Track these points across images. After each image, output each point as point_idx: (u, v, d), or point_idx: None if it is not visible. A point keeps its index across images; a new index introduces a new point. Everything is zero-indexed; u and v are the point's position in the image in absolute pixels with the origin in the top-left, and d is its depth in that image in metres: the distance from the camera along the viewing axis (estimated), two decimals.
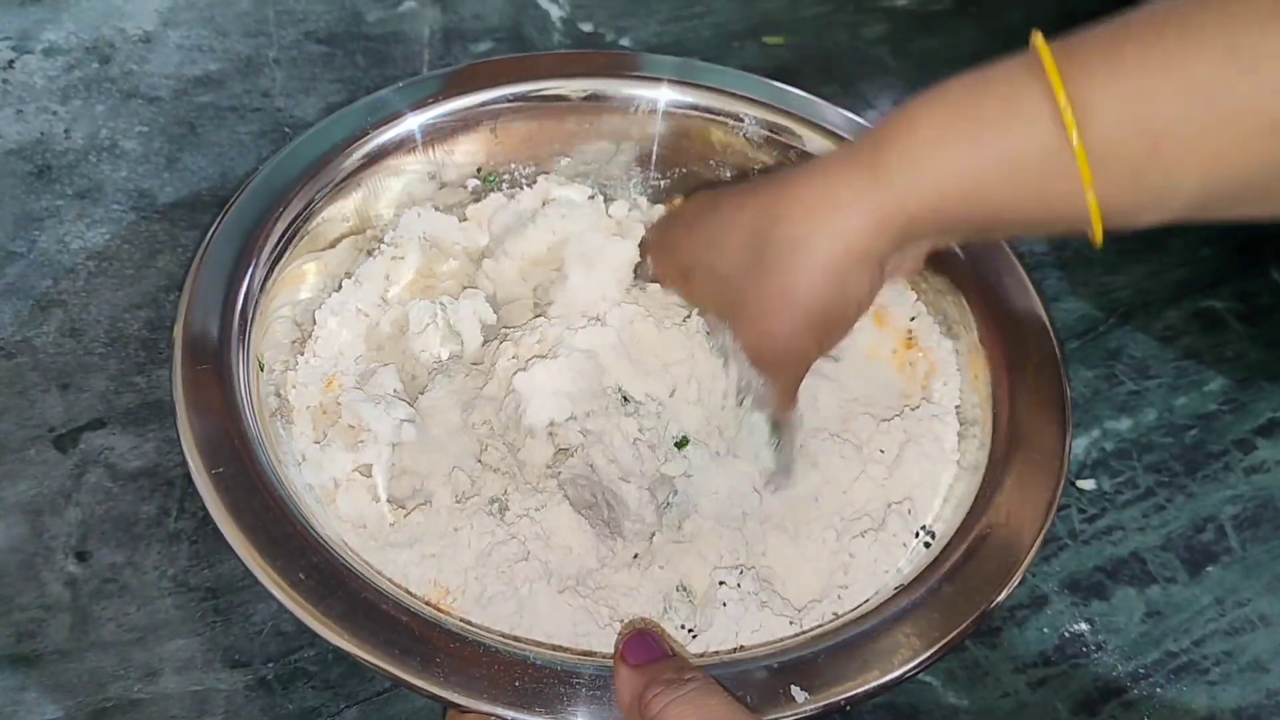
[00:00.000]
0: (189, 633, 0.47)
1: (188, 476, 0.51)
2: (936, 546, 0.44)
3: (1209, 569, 0.54)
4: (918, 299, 0.54)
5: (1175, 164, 0.35)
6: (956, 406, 0.51)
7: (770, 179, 0.44)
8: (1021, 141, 0.37)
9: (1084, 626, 0.51)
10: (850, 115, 0.56)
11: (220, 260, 0.47)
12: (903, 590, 0.42)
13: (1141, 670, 0.50)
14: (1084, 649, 0.51)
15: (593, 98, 0.57)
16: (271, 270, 0.48)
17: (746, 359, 0.45)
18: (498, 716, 0.36)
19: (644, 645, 0.37)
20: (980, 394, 0.49)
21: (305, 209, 0.50)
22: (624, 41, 0.74)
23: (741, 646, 0.43)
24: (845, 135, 0.55)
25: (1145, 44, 0.35)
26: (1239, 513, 0.56)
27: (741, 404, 0.48)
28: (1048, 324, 0.49)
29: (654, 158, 0.58)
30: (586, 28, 0.75)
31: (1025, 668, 0.50)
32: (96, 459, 0.52)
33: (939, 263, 0.51)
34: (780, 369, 0.45)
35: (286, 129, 0.66)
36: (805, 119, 0.56)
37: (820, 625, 0.42)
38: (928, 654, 0.39)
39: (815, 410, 0.51)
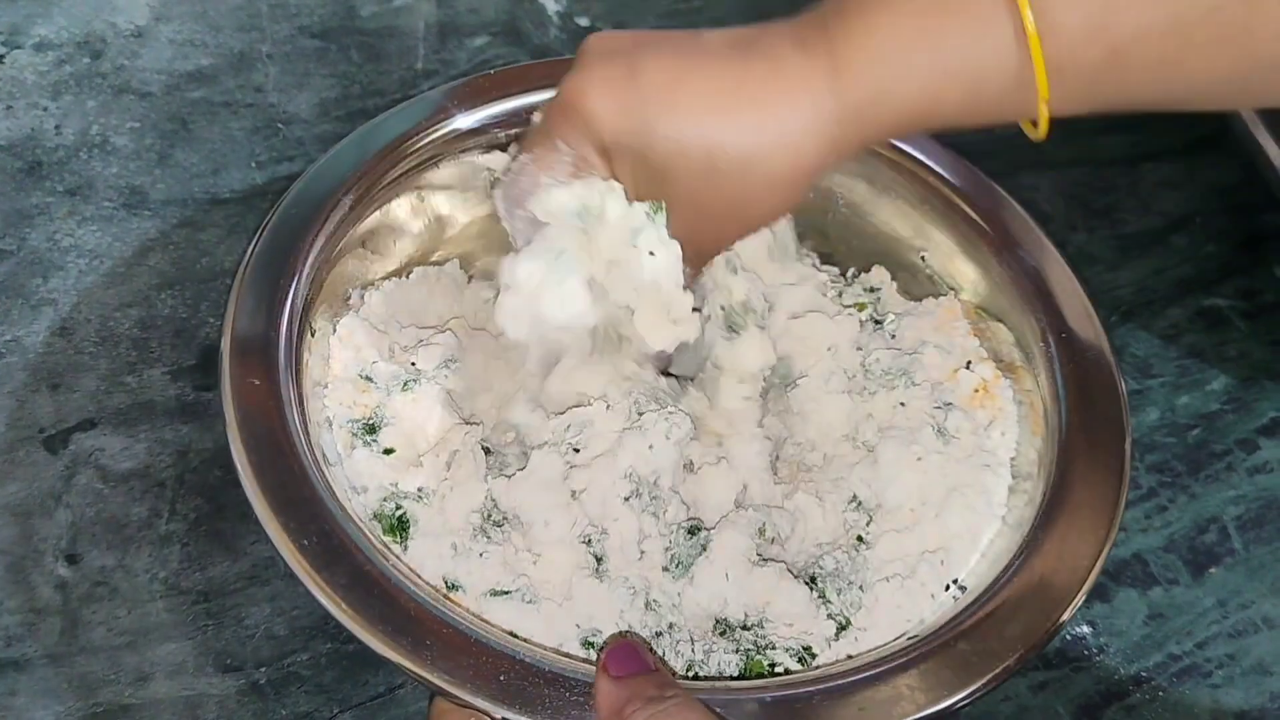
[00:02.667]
0: (180, 636, 0.47)
1: (179, 478, 0.51)
2: (963, 602, 0.43)
3: (1212, 570, 0.53)
4: (980, 344, 0.53)
5: (1134, 73, 0.36)
6: (1012, 459, 0.49)
7: (710, 49, 0.40)
8: (985, 55, 0.36)
9: (1086, 629, 0.51)
10: None
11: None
12: (917, 642, 0.40)
13: (1144, 673, 0.50)
14: (1085, 652, 0.50)
15: None
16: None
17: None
18: (483, 711, 0.36)
19: (626, 657, 0.37)
20: (1037, 449, 0.48)
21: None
22: None
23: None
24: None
25: None
26: (1242, 513, 0.56)
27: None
28: (1118, 380, 0.48)
29: None
30: (583, 22, 0.74)
31: (1026, 671, 0.49)
32: (87, 460, 0.51)
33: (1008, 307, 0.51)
34: (703, 258, 0.45)
35: (280, 124, 0.65)
36: None
37: (830, 664, 0.41)
38: (928, 712, 0.37)
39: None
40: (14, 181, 0.60)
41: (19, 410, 0.52)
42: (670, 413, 0.45)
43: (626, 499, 0.44)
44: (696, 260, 0.44)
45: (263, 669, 0.46)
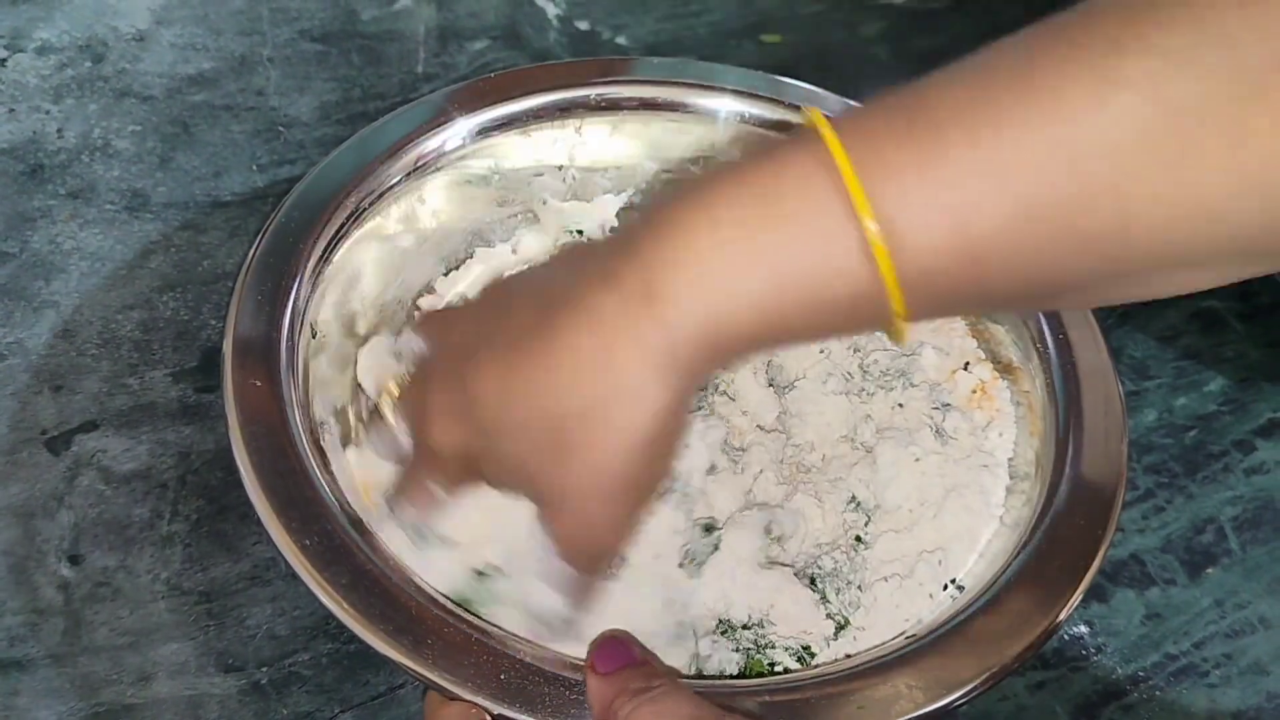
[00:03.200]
0: (182, 637, 0.47)
1: (181, 479, 0.52)
2: (961, 601, 0.43)
3: (1209, 571, 0.54)
4: (979, 345, 0.53)
5: (993, 281, 0.32)
6: (1010, 460, 0.49)
7: (526, 324, 0.35)
8: (828, 274, 0.32)
9: (1083, 629, 0.51)
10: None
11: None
12: (916, 640, 0.40)
13: (1141, 673, 0.50)
14: (1083, 652, 0.50)
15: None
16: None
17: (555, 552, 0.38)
18: (480, 708, 0.36)
19: (613, 652, 0.36)
20: (1035, 450, 0.48)
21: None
22: (620, 40, 0.74)
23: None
24: None
25: (953, 135, 0.30)
26: (1239, 514, 0.56)
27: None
28: (1116, 381, 0.48)
29: None
30: (583, 25, 0.75)
31: (1024, 670, 0.49)
32: (89, 461, 0.51)
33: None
34: (597, 557, 0.38)
35: (281, 128, 0.66)
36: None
37: (829, 664, 0.42)
38: (925, 710, 0.37)
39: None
40: (16, 184, 0.61)
41: (21, 412, 0.53)
42: (707, 414, 0.46)
43: (662, 494, 0.44)
44: (597, 558, 0.39)
45: (264, 669, 0.47)
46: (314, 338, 0.47)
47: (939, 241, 0.31)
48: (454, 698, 0.37)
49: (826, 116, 0.32)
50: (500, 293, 0.39)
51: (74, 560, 0.49)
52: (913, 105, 0.31)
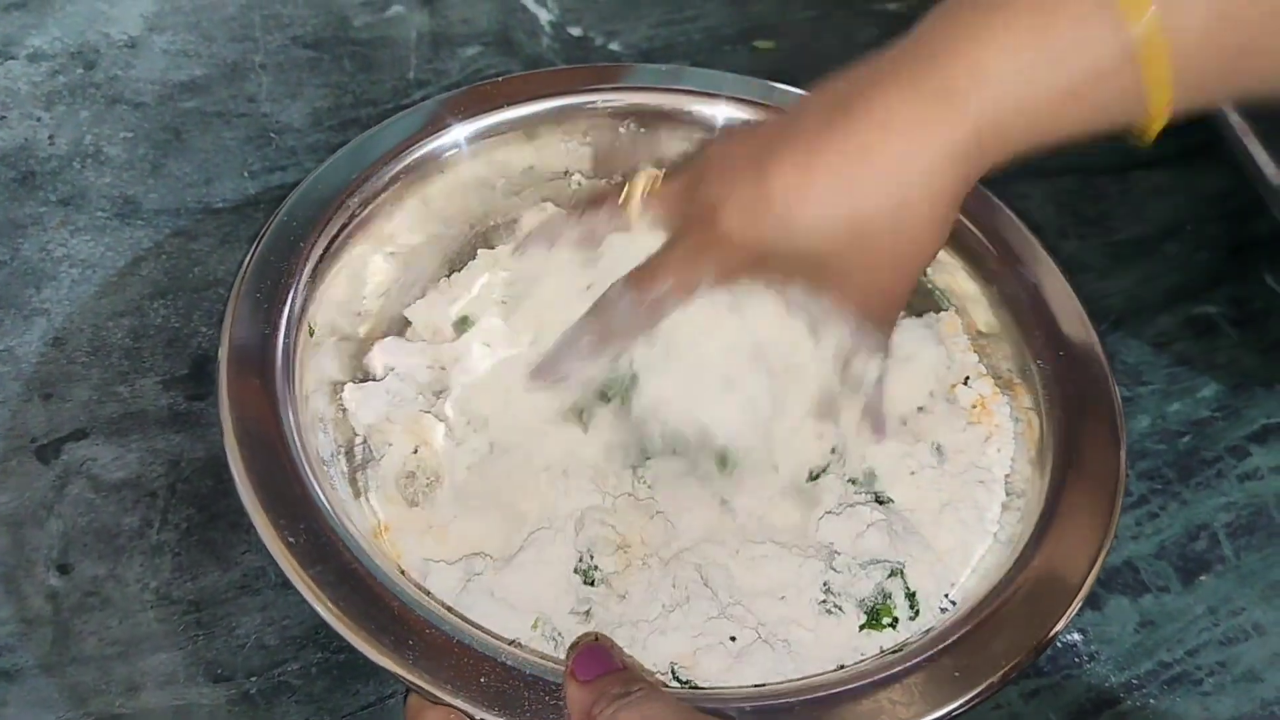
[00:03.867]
0: (171, 646, 0.47)
1: (171, 488, 0.51)
2: (950, 616, 0.43)
3: (1203, 578, 0.54)
4: (979, 360, 0.53)
5: (1251, 76, 0.37)
6: (1006, 476, 0.49)
7: (816, 126, 0.39)
8: (1102, 64, 0.36)
9: (1076, 637, 0.51)
10: None
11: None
12: (903, 655, 0.40)
13: (1135, 680, 0.50)
14: (1076, 659, 0.50)
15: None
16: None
17: (851, 320, 0.43)
18: (460, 712, 0.36)
19: (593, 659, 0.36)
20: (1031, 462, 0.48)
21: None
22: (613, 46, 0.74)
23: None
24: None
25: None
26: (1233, 520, 0.56)
27: (851, 366, 0.45)
28: (1113, 391, 0.48)
29: None
30: (575, 31, 0.75)
31: (1018, 679, 0.49)
32: (79, 470, 0.51)
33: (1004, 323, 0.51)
34: (890, 319, 0.44)
35: (272, 134, 0.66)
36: None
37: (817, 675, 0.41)
38: None
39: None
40: (7, 191, 0.61)
41: (11, 420, 0.52)
42: None
43: None
44: (881, 327, 0.44)
45: (253, 679, 0.46)
46: (311, 336, 0.47)
47: (1206, 41, 0.35)
48: (435, 700, 0.37)
49: None
50: (789, 116, 0.42)
51: (63, 569, 0.48)
52: None
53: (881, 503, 0.48)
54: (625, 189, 0.46)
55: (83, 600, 0.48)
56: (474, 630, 0.39)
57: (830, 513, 0.46)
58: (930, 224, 0.40)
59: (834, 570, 0.44)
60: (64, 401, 0.53)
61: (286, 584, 0.48)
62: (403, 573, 0.42)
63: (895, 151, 0.38)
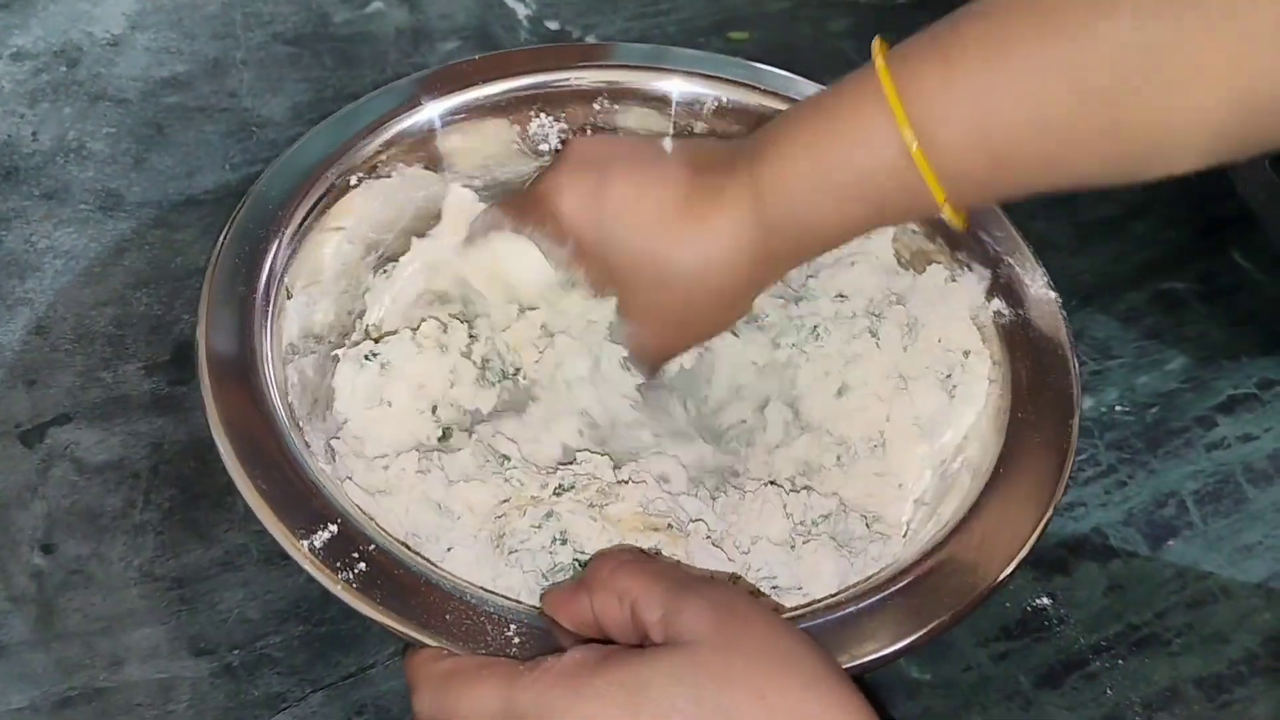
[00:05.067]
0: (155, 622, 0.48)
1: (154, 469, 0.52)
2: (903, 560, 0.43)
3: (1170, 543, 0.54)
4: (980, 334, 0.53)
5: (1019, 173, 0.39)
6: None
7: (669, 172, 0.45)
8: (881, 174, 0.40)
9: (1046, 601, 0.52)
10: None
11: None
12: (854, 596, 0.41)
13: (1103, 643, 0.51)
14: (1046, 623, 0.51)
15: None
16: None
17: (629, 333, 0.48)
18: (450, 651, 0.37)
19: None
20: (990, 423, 0.48)
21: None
22: (590, 39, 0.75)
23: None
24: None
25: (974, 48, 0.38)
26: (1200, 488, 0.57)
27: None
28: (1070, 356, 0.48)
29: None
30: (553, 25, 0.76)
31: (988, 641, 0.50)
32: (62, 453, 0.52)
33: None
34: (650, 361, 0.49)
35: (254, 128, 0.67)
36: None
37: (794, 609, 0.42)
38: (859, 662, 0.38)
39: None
40: None
41: None
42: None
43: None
44: (650, 364, 0.50)
45: (235, 651, 0.47)
46: (289, 299, 0.48)
47: (965, 147, 0.38)
48: (403, 636, 0.38)
49: (886, 43, 0.41)
50: (654, 150, 0.47)
51: (47, 549, 0.49)
52: (946, 34, 0.39)
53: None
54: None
55: (67, 579, 0.48)
56: (441, 572, 0.40)
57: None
58: (723, 292, 0.45)
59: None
60: (48, 388, 0.54)
61: (269, 560, 0.50)
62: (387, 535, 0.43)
63: (710, 219, 0.43)
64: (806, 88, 0.57)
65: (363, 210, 0.52)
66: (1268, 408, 0.60)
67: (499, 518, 0.44)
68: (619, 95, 0.56)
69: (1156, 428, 0.59)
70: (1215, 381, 0.61)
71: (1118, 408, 0.59)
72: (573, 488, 0.45)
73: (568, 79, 0.56)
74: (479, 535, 0.44)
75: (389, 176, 0.53)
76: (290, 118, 0.67)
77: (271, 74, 0.70)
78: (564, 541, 0.43)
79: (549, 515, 0.44)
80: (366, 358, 0.49)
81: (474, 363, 0.49)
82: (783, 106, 0.56)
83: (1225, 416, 0.60)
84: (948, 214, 0.40)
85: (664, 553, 0.43)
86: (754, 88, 0.57)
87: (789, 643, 0.34)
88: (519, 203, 0.49)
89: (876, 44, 0.40)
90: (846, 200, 0.41)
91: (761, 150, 0.43)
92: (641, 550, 0.43)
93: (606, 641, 0.36)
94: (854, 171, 0.40)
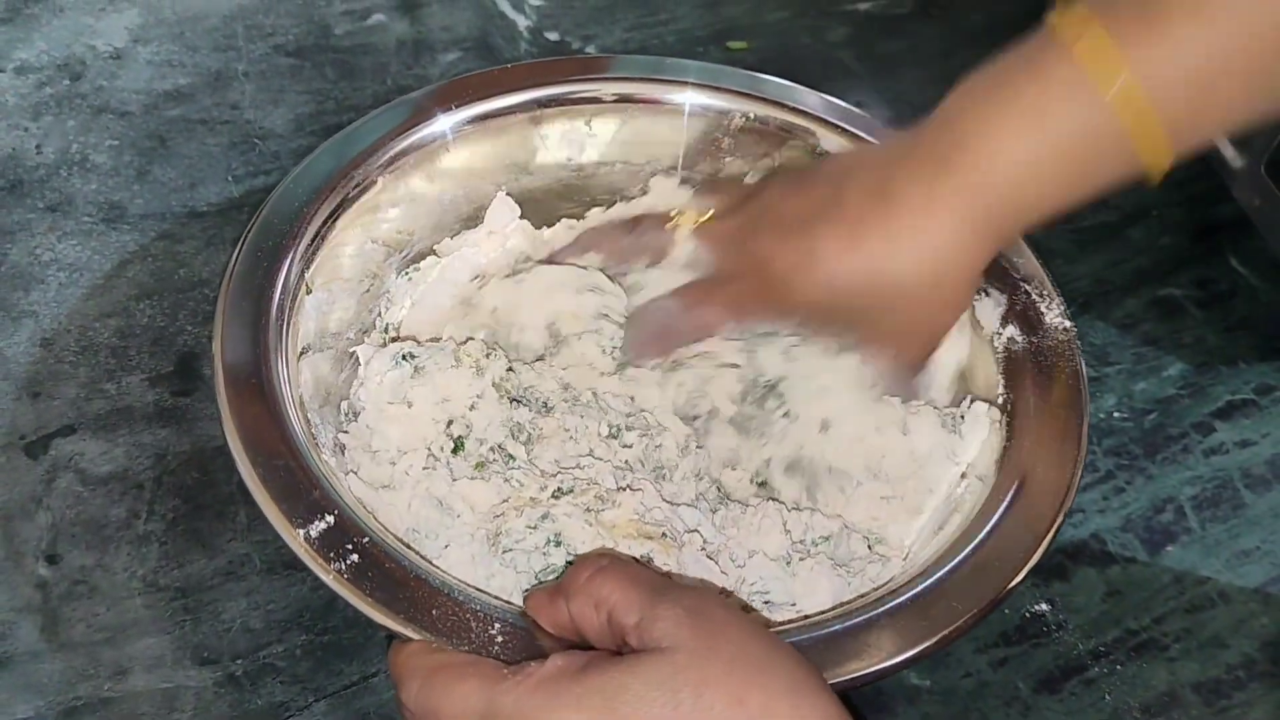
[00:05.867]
0: (158, 631, 0.48)
1: (157, 480, 0.53)
2: (910, 571, 0.44)
3: (1168, 548, 0.55)
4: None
5: (1225, 110, 0.41)
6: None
7: (854, 206, 0.44)
8: (1089, 132, 0.41)
9: (1044, 607, 0.52)
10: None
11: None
12: (858, 609, 0.41)
13: (1102, 648, 0.51)
14: (1045, 629, 0.51)
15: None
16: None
17: (881, 363, 0.48)
18: (440, 646, 0.37)
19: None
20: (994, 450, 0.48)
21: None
22: (589, 49, 0.76)
23: None
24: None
25: (1176, 11, 0.40)
26: (1198, 493, 0.57)
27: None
28: (1079, 362, 0.49)
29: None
30: (553, 36, 0.76)
31: (986, 648, 0.50)
32: (67, 464, 0.52)
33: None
34: (916, 366, 0.50)
35: (256, 140, 0.67)
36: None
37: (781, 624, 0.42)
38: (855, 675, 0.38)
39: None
40: None
41: (0, 418, 0.54)
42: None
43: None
44: (907, 380, 0.50)
45: (239, 661, 0.47)
46: (308, 294, 0.48)
47: (1178, 91, 0.40)
48: (405, 640, 0.38)
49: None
50: (828, 185, 0.46)
51: (51, 560, 0.50)
52: None
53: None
54: (674, 219, 0.52)
55: (71, 589, 0.49)
56: (432, 567, 0.40)
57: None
58: (959, 289, 0.46)
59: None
60: (52, 399, 0.55)
61: (271, 569, 0.50)
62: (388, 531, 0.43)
63: (931, 236, 0.43)
64: (807, 96, 0.58)
65: (389, 209, 0.53)
66: (1265, 413, 0.60)
67: (496, 517, 0.45)
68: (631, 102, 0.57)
69: (1154, 434, 0.59)
70: (1213, 387, 0.61)
71: (1115, 414, 0.60)
72: (571, 491, 0.45)
73: (579, 91, 0.57)
74: (475, 534, 0.44)
75: (416, 180, 0.54)
76: (292, 129, 0.68)
77: (273, 86, 0.70)
78: (558, 544, 0.44)
79: (544, 517, 0.44)
80: (404, 357, 0.49)
81: (502, 393, 0.49)
82: (786, 116, 0.57)
83: (1223, 422, 0.60)
84: (1153, 169, 0.41)
85: (655, 562, 0.44)
86: (756, 97, 0.57)
87: (766, 648, 0.35)
88: (733, 295, 0.48)
89: (1059, 13, 0.42)
90: (1062, 162, 0.42)
91: (956, 132, 0.43)
92: (621, 555, 0.43)
93: (587, 645, 0.37)
94: (1068, 129, 0.41)
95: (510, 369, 0.50)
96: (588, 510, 0.45)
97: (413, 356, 0.49)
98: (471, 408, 0.48)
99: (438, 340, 0.51)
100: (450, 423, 0.48)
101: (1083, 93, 0.40)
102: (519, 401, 0.49)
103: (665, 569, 0.44)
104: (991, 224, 0.43)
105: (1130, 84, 0.40)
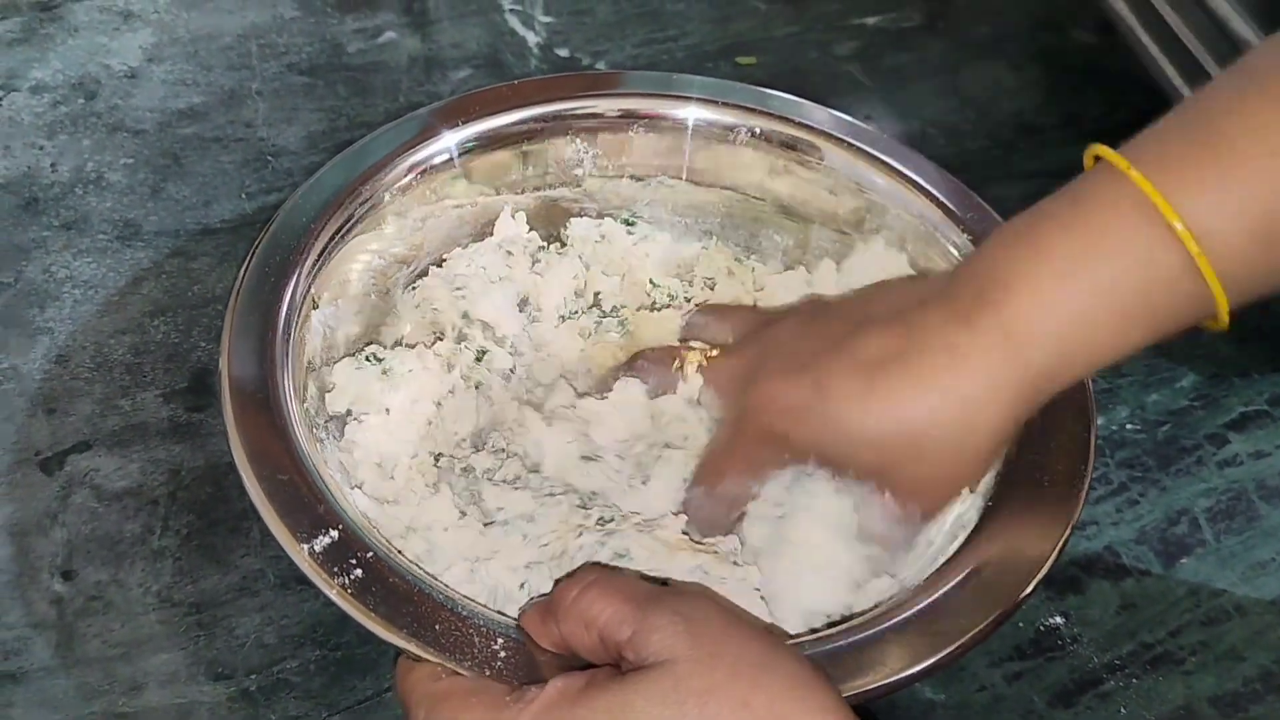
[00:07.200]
0: (173, 647, 0.48)
1: (172, 495, 0.53)
2: (912, 588, 0.43)
3: (1183, 561, 0.54)
4: None
5: None
6: None
7: (872, 350, 0.41)
8: (1158, 290, 0.37)
9: (1059, 620, 0.52)
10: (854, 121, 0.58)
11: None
12: (865, 623, 0.41)
13: (1117, 661, 0.51)
14: (1059, 642, 0.51)
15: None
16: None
17: (888, 513, 0.43)
18: (445, 668, 0.37)
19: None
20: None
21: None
22: (599, 65, 0.76)
23: None
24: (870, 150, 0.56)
25: (1231, 139, 0.37)
26: (1213, 505, 0.57)
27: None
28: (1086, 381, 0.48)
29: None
30: (563, 53, 0.77)
31: (1001, 662, 0.50)
32: (82, 480, 0.53)
33: None
34: (931, 513, 0.44)
35: (269, 157, 0.68)
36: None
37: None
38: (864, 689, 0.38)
39: None
40: (11, 217, 0.63)
41: (16, 435, 0.54)
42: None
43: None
44: (917, 525, 0.44)
45: (253, 676, 0.48)
46: (315, 309, 0.49)
47: (1245, 236, 0.37)
48: (414, 657, 0.38)
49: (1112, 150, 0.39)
50: (841, 327, 0.43)
51: (67, 576, 0.50)
52: (1196, 124, 0.38)
53: None
54: (678, 359, 0.50)
55: (86, 605, 0.49)
56: (436, 582, 0.40)
57: None
58: (991, 442, 0.41)
59: None
60: (67, 416, 0.55)
61: (285, 584, 0.50)
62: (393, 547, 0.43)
63: (961, 385, 0.39)
64: (815, 111, 0.58)
65: (396, 225, 0.54)
66: (1279, 424, 0.60)
67: (552, 534, 0.45)
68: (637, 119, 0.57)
69: (1168, 445, 0.59)
70: (1226, 398, 0.61)
71: (1129, 426, 0.59)
72: (612, 520, 0.45)
73: (588, 106, 0.57)
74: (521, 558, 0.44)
75: (423, 195, 0.55)
76: (305, 147, 0.68)
77: (286, 104, 0.71)
78: (623, 556, 0.43)
79: (610, 534, 0.44)
80: (368, 359, 0.50)
81: (469, 384, 0.50)
82: (794, 131, 0.57)
83: (1237, 433, 0.60)
84: (1223, 317, 0.38)
85: (711, 575, 0.43)
86: (764, 113, 0.58)
87: (765, 648, 0.34)
88: (739, 457, 0.45)
89: (1102, 150, 0.39)
90: (1122, 325, 0.38)
91: (1009, 298, 0.39)
92: (607, 567, 0.42)
93: (587, 664, 0.37)
94: (1126, 289, 0.38)
95: (479, 359, 0.51)
96: (640, 530, 0.44)
97: (378, 359, 0.50)
98: (438, 404, 0.50)
99: (410, 346, 0.52)
100: (429, 422, 0.49)
101: (1143, 223, 0.37)
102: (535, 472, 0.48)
103: (721, 580, 0.43)
104: (1030, 376, 0.39)
105: (1202, 224, 0.37)
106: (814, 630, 0.42)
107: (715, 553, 0.44)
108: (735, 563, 0.45)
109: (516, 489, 0.46)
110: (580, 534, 0.44)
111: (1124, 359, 0.40)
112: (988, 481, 0.46)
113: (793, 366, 0.43)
